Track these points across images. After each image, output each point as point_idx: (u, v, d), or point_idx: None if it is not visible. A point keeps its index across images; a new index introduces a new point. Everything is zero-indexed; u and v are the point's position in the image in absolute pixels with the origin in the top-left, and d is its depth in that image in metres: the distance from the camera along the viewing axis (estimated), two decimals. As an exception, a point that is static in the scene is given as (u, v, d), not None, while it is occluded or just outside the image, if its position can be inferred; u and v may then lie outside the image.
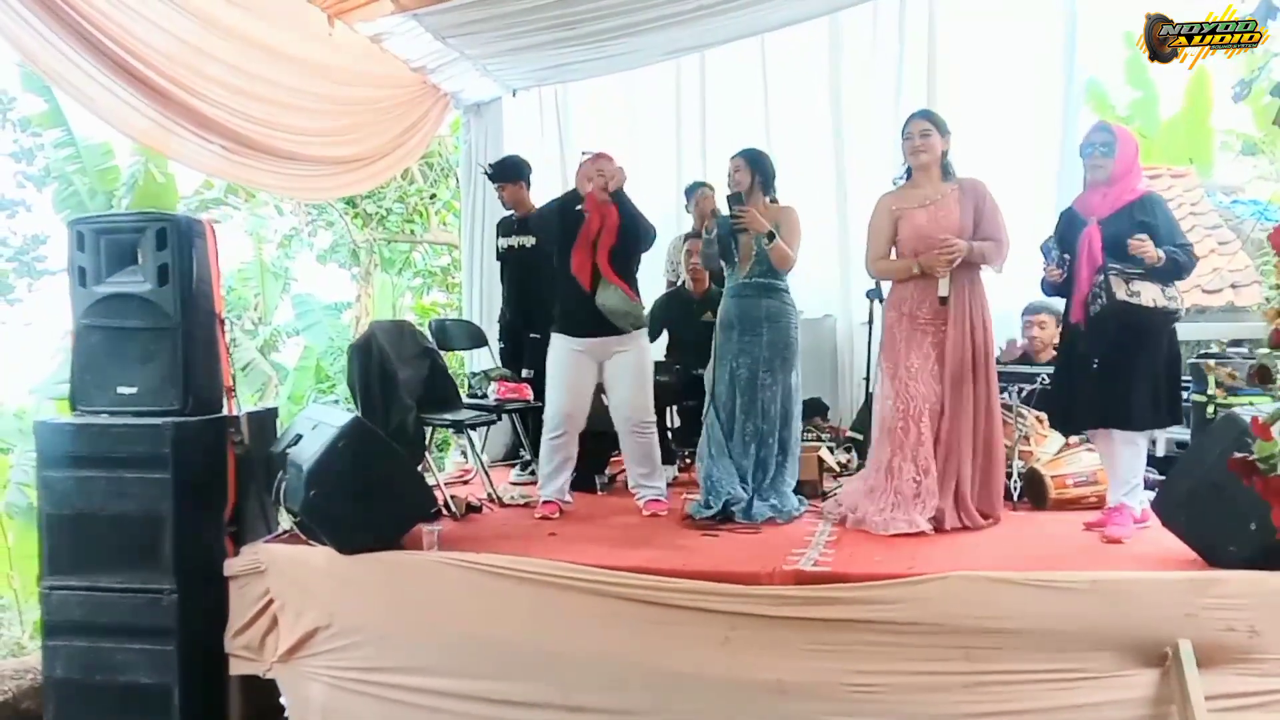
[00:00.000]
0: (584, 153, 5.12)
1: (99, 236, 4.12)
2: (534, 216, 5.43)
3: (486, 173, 6.25)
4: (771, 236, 4.70)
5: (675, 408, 6.22)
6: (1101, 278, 4.13)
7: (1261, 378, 2.13)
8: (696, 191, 6.43)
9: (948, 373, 4.51)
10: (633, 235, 4.89)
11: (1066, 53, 6.62)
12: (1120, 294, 4.07)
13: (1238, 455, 2.14)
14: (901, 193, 4.70)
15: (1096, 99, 12.16)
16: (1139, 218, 4.14)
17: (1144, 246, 4.02)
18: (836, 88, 7.04)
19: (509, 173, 6.10)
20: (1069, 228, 4.32)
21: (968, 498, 4.47)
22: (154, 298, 4.07)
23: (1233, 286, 7.93)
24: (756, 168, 4.88)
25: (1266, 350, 2.23)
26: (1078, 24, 6.61)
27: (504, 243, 6.18)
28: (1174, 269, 4.09)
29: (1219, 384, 4.92)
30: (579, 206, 4.89)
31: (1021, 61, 6.67)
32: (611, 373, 4.96)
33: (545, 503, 4.95)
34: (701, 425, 4.96)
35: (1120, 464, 4.27)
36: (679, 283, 6.36)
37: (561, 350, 4.97)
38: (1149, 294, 4.07)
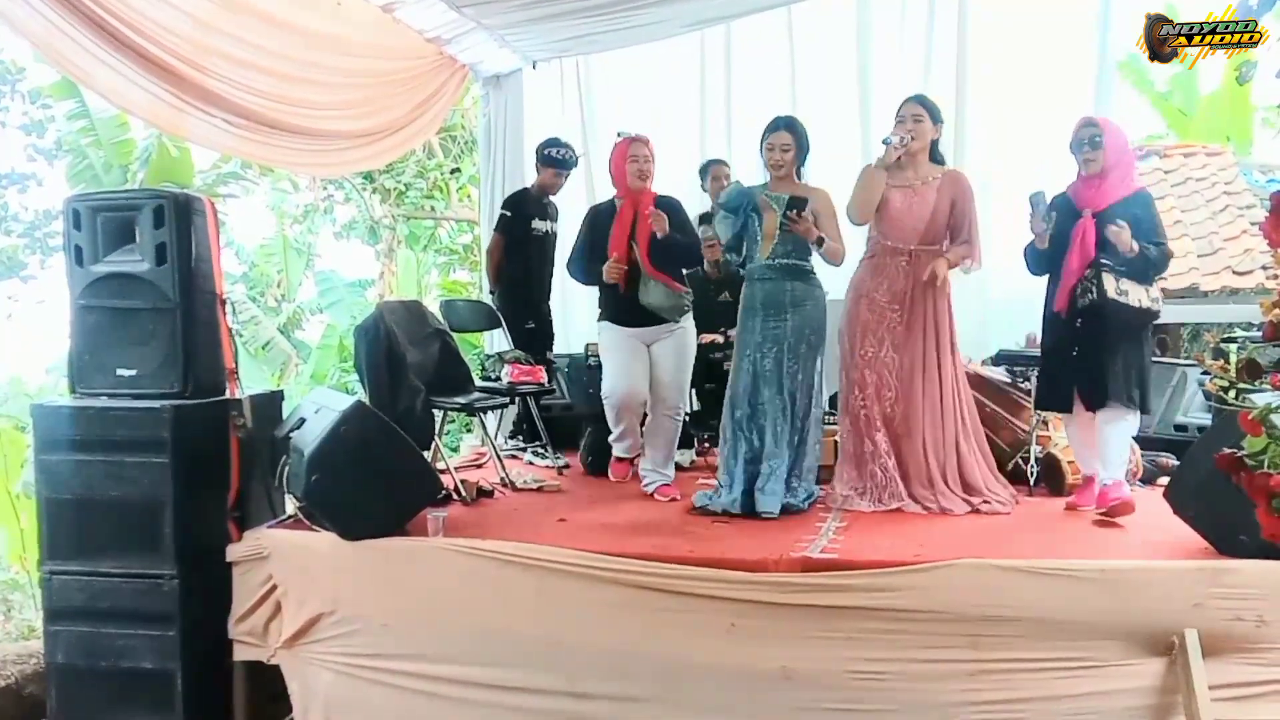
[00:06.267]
0: (619, 133, 4.99)
1: (95, 214, 4.02)
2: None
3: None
4: (821, 241, 4.45)
5: (694, 391, 6.07)
6: (1092, 272, 4.19)
7: (1250, 372, 2.03)
8: (713, 168, 6.28)
9: (905, 357, 4.55)
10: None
11: (1100, 29, 6.50)
12: (1110, 291, 4.17)
13: (1226, 451, 2.07)
14: (889, 168, 4.59)
15: (1135, 75, 11.94)
16: (1132, 212, 4.18)
17: (1121, 234, 4.06)
18: (865, 64, 6.93)
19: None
20: (1063, 215, 4.32)
21: (941, 482, 4.48)
22: (152, 277, 3.97)
23: (1264, 268, 7.76)
24: (803, 144, 4.61)
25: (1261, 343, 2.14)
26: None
27: (541, 226, 6.12)
28: (1144, 264, 4.16)
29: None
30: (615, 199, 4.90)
31: (1054, 37, 6.56)
32: (655, 357, 4.95)
33: (616, 460, 5.22)
34: (719, 409, 4.81)
35: (1104, 445, 4.27)
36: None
37: (612, 333, 4.98)
38: (1136, 294, 4.18)
